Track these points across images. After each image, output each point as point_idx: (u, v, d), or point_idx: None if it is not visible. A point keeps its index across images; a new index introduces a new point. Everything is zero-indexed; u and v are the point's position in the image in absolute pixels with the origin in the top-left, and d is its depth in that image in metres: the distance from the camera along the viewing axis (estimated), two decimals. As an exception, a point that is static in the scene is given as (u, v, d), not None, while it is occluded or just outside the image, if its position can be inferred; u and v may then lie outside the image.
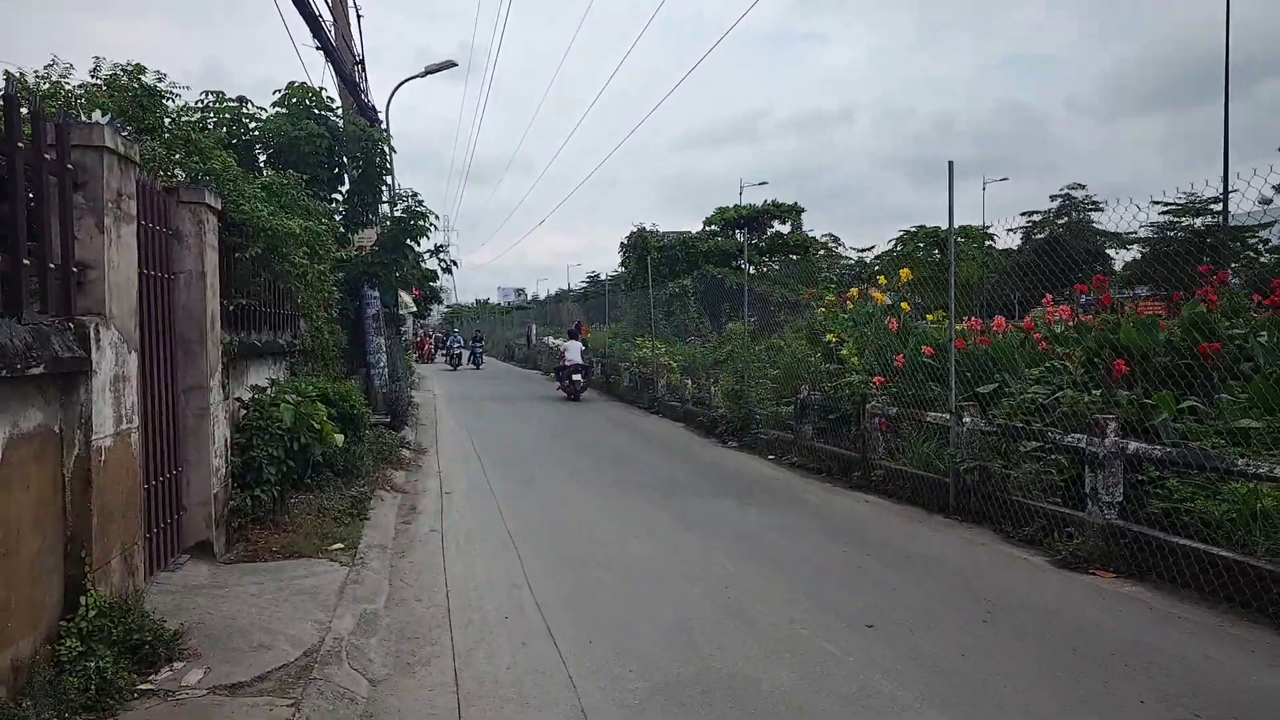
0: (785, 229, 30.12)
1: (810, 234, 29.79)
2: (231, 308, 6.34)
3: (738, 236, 30.90)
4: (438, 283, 13.43)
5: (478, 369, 33.95)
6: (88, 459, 3.77)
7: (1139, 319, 7.78)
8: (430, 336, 46.00)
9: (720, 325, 26.13)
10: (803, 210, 30.00)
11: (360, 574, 5.65)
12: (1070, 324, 9.15)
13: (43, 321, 3.57)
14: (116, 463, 4.03)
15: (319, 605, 4.92)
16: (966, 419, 7.72)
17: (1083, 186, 46.65)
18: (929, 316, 11.79)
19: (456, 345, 35.85)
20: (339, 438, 6.57)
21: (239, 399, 6.66)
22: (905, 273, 13.03)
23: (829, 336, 12.63)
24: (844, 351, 12.11)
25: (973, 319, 11.76)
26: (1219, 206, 32.53)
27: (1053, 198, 47.85)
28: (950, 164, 7.68)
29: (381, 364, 13.67)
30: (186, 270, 5.37)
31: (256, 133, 11.30)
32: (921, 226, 17.60)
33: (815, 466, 10.27)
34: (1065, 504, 6.73)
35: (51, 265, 3.65)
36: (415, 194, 11.72)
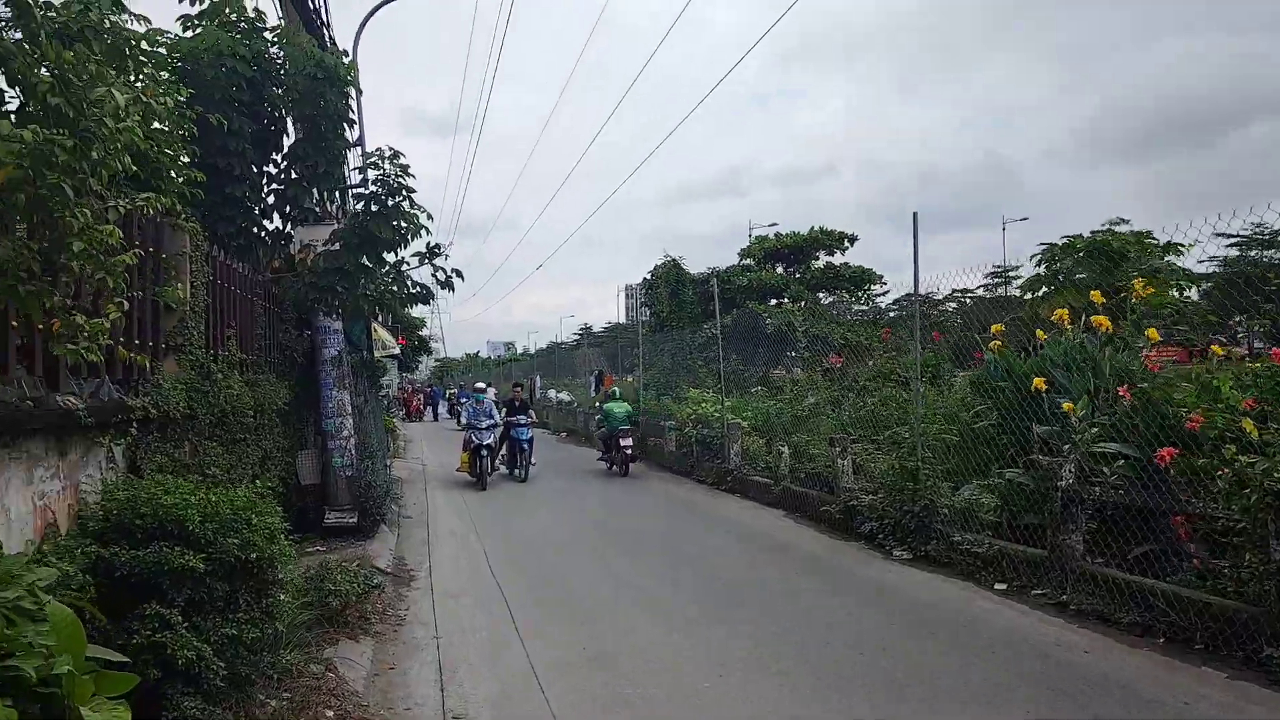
0: (835, 259, 25.79)
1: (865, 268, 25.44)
2: None
3: (778, 270, 26.55)
4: (431, 304, 8.66)
5: (521, 480, 14.30)
6: None
7: None
8: (418, 392, 41.13)
9: (763, 372, 21.64)
10: (855, 239, 25.71)
11: None
12: None
13: None
14: None
15: None
16: None
17: (1126, 220, 42.82)
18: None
19: (483, 423, 14.12)
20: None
21: None
22: (1139, 284, 8.77)
23: (1037, 383, 8.22)
24: (1068, 405, 7.80)
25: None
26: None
27: (1094, 233, 43.93)
28: None
29: (345, 433, 8.96)
30: None
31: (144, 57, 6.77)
32: (1078, 236, 13.21)
33: (1131, 621, 5.55)
34: None
35: None
36: (396, 155, 7.14)
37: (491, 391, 16.70)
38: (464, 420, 14.61)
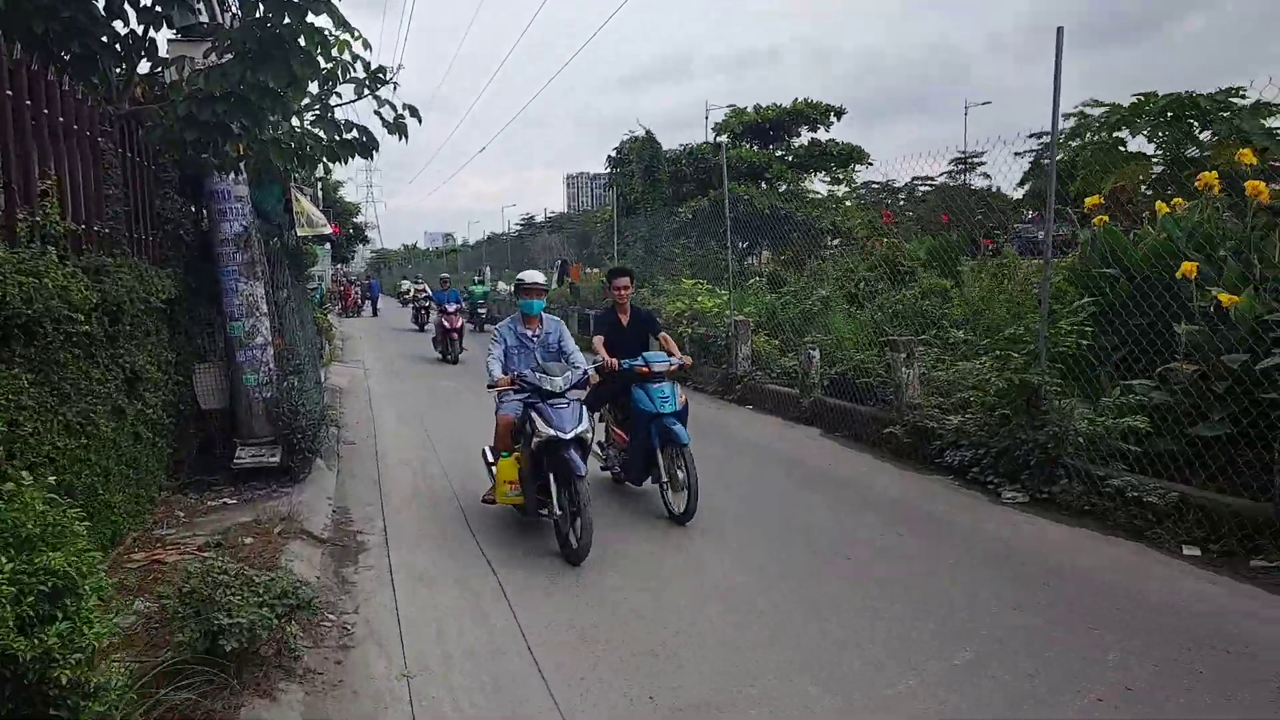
0: (821, 136, 23.29)
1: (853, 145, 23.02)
2: None
3: (754, 147, 23.96)
4: (372, 157, 6.08)
5: (678, 517, 5.58)
6: None
7: None
8: (355, 284, 37.86)
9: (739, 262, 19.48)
10: (844, 111, 23.18)
11: None
12: None
13: None
14: None
15: None
16: None
17: (1101, 103, 40.80)
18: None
19: (556, 379, 5.21)
20: None
21: None
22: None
23: (1186, 268, 6.39)
24: (1226, 297, 6.06)
25: None
26: None
27: (1067, 115, 41.79)
28: None
29: (259, 339, 6.57)
30: None
31: None
32: (1151, 94, 11.02)
33: None
34: None
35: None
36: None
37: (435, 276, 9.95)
38: (495, 370, 5.60)
